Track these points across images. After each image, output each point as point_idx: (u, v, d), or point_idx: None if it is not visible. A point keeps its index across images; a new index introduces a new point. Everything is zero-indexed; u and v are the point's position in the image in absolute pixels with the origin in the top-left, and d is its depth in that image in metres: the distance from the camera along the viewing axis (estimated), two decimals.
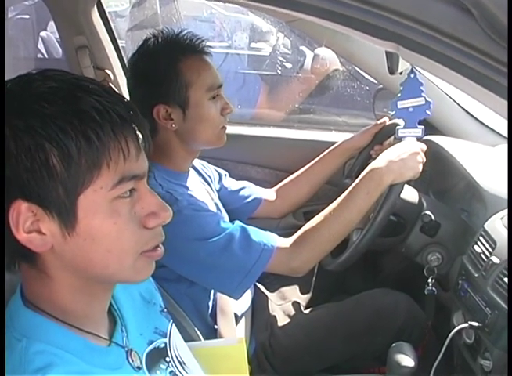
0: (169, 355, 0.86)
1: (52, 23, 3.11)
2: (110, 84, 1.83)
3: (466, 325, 1.20)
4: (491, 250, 1.21)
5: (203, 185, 1.49)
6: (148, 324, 0.87)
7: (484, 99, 0.69)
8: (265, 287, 1.65)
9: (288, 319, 1.53)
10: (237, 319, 1.44)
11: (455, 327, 1.22)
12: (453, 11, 0.59)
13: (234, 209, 1.56)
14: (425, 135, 1.35)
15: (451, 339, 1.20)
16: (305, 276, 1.37)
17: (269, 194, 1.65)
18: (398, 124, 1.39)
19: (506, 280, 1.13)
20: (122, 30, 4.00)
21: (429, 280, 1.39)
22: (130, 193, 0.69)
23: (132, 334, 0.81)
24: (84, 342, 0.71)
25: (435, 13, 0.60)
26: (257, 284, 1.61)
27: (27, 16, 3.78)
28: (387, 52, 1.23)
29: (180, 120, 1.31)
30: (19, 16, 3.73)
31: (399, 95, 1.35)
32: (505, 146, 1.62)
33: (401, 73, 1.29)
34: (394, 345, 1.15)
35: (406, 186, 1.31)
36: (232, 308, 1.42)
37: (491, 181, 1.36)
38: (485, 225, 1.27)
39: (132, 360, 0.77)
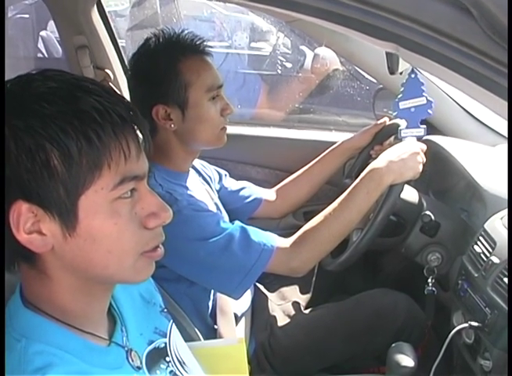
0: (169, 355, 0.86)
1: (51, 23, 3.11)
2: (110, 84, 1.83)
3: (466, 325, 1.20)
4: (491, 250, 1.21)
5: (203, 185, 1.49)
6: (148, 324, 0.87)
7: (484, 99, 0.68)
8: (265, 287, 1.65)
9: (288, 320, 1.53)
10: (237, 319, 1.44)
11: (455, 327, 1.22)
12: (453, 11, 0.59)
13: (234, 209, 1.56)
14: (426, 135, 1.35)
15: (451, 339, 1.20)
16: (305, 277, 1.37)
17: (269, 194, 1.65)
18: (398, 124, 1.39)
19: (505, 280, 1.13)
20: (122, 29, 4.00)
21: (429, 280, 1.39)
22: (130, 193, 0.69)
23: (132, 334, 0.81)
24: (84, 342, 0.71)
25: (434, 13, 0.60)
26: (257, 284, 1.61)
27: (27, 16, 3.78)
28: (387, 53, 1.22)
29: (179, 120, 1.31)
30: (18, 16, 3.73)
31: (400, 95, 1.35)
32: (505, 146, 1.62)
33: (401, 73, 1.29)
34: (393, 345, 1.16)
35: (406, 186, 1.31)
36: (232, 308, 1.42)
37: (491, 181, 1.36)
38: (485, 225, 1.27)
39: (132, 360, 0.77)
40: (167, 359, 0.85)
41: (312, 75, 3.20)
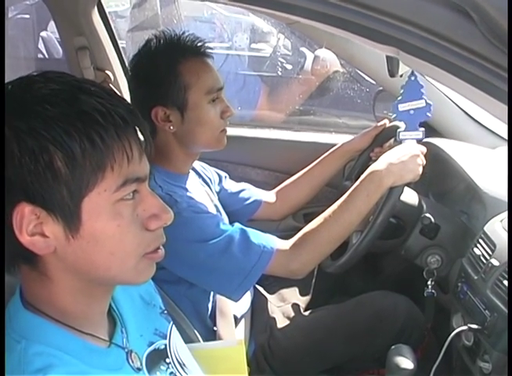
0: (169, 356, 0.86)
1: (52, 23, 3.11)
2: (110, 85, 1.83)
3: (465, 327, 1.20)
4: (490, 252, 1.21)
5: (202, 187, 1.49)
6: (148, 326, 0.87)
7: (484, 103, 0.69)
8: (265, 289, 1.65)
9: (287, 321, 1.53)
10: (236, 321, 1.44)
11: (454, 329, 1.22)
12: (453, 15, 0.59)
13: (234, 211, 1.56)
14: (425, 138, 1.35)
15: (450, 341, 1.20)
16: (305, 279, 1.37)
17: (269, 196, 1.65)
18: (398, 127, 1.39)
19: (505, 282, 1.13)
20: (122, 30, 4.00)
21: (428, 283, 1.39)
22: (132, 195, 0.69)
23: (132, 335, 0.81)
24: (84, 343, 0.71)
25: (435, 17, 0.60)
26: (257, 286, 1.61)
27: (28, 16, 3.78)
28: (387, 56, 1.23)
29: (178, 122, 1.31)
30: (19, 16, 3.73)
31: (400, 97, 1.35)
32: (505, 148, 1.62)
33: (401, 76, 1.29)
34: (393, 347, 1.15)
35: (406, 188, 1.31)
36: (232, 310, 1.42)
37: (490, 183, 1.36)
38: (485, 228, 1.27)
39: (132, 361, 0.77)
40: (167, 360, 0.85)
41: (312, 77, 3.20)
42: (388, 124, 1.56)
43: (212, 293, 1.39)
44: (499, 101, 0.60)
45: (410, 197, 1.41)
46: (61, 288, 0.70)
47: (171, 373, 0.84)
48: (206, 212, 1.30)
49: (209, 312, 1.39)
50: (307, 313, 1.57)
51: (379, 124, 1.58)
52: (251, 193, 1.62)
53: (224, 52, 4.02)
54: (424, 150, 1.32)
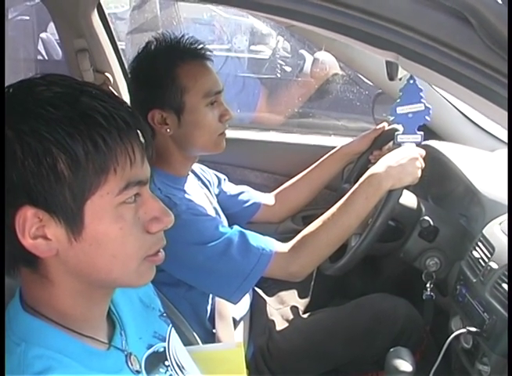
0: (168, 359, 0.86)
1: (52, 25, 3.11)
2: (110, 87, 1.83)
3: (464, 330, 1.20)
4: (489, 255, 1.21)
5: (202, 189, 1.49)
6: (147, 328, 0.87)
7: (483, 108, 0.69)
8: (264, 292, 1.65)
9: (286, 324, 1.53)
10: (235, 323, 1.44)
11: (453, 332, 1.22)
12: (452, 21, 0.59)
13: (233, 213, 1.56)
14: (424, 140, 1.35)
15: (449, 344, 1.20)
16: (304, 281, 1.37)
17: (268, 199, 1.65)
18: (397, 130, 1.39)
19: (504, 285, 1.14)
20: (122, 32, 4.00)
21: (427, 285, 1.39)
22: (134, 198, 0.70)
23: (131, 337, 0.81)
24: (83, 346, 0.71)
25: (434, 23, 0.60)
26: (256, 289, 1.61)
27: (28, 17, 3.77)
28: (386, 61, 1.23)
29: (175, 125, 1.31)
30: (19, 17, 3.72)
31: (399, 100, 1.35)
32: (504, 151, 1.62)
33: (400, 79, 1.29)
34: (392, 349, 1.15)
35: (405, 191, 1.31)
36: (231, 312, 1.42)
37: (489, 186, 1.37)
38: (484, 231, 1.28)
39: (131, 364, 0.77)
40: (166, 363, 0.85)
41: (312, 79, 3.20)
42: (387, 127, 1.56)
43: (211, 295, 1.40)
44: (498, 106, 0.60)
45: (409, 199, 1.41)
46: (61, 291, 0.70)
47: (170, 375, 0.84)
48: (205, 215, 1.31)
49: (208, 315, 1.39)
50: (306, 316, 1.57)
51: (378, 127, 1.58)
52: (250, 195, 1.62)
53: (223, 54, 4.02)
54: (423, 152, 1.32)
